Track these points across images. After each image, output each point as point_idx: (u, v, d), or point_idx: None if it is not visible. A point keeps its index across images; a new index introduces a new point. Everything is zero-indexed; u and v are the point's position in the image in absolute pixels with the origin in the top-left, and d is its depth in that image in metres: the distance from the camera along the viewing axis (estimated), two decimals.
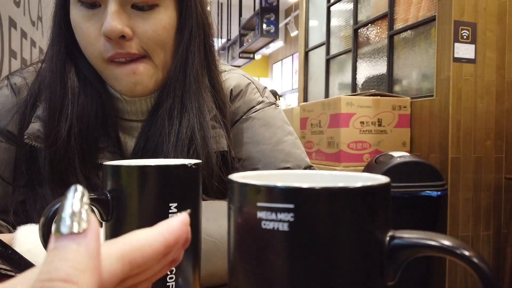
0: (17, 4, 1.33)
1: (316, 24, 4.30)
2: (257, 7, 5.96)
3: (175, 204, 0.33)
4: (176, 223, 0.22)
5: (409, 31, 2.79)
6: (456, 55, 2.27)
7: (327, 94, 3.96)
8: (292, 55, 8.03)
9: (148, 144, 0.58)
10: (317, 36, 4.27)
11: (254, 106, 0.67)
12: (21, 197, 0.58)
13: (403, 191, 2.10)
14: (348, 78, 3.59)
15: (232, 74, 0.69)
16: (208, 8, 0.64)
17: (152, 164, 0.33)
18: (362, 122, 2.46)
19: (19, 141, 0.58)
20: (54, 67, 0.56)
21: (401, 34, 2.88)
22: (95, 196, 0.33)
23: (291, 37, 7.46)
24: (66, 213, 0.18)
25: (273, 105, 0.69)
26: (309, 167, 0.65)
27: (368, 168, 2.34)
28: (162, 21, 0.55)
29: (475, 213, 2.29)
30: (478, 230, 2.30)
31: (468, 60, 2.29)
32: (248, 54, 6.83)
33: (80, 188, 0.19)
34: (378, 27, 3.19)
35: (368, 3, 3.35)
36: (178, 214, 0.23)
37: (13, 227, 0.55)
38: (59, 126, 0.54)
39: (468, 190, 2.28)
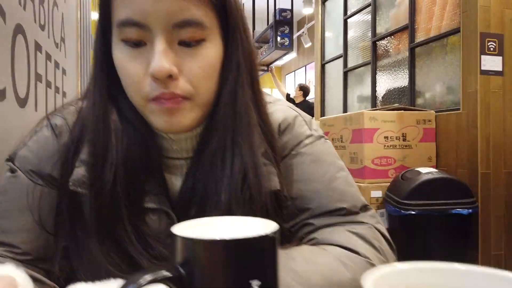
0: (42, 27, 1.33)
1: (332, 36, 4.27)
2: (271, 20, 5.97)
3: (256, 281, 0.29)
4: None
5: (431, 43, 2.74)
6: (483, 68, 2.21)
7: (345, 107, 3.91)
8: (305, 66, 8.01)
9: (196, 184, 0.54)
10: (333, 48, 4.23)
11: (303, 141, 0.62)
12: (63, 243, 0.55)
13: (433, 209, 2.03)
14: (367, 91, 3.54)
15: (278, 107, 0.65)
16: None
17: (232, 238, 0.29)
18: (386, 137, 2.40)
19: (61, 186, 0.55)
20: (96, 110, 0.53)
21: (423, 46, 2.82)
22: (170, 275, 0.29)
23: (304, 48, 7.45)
24: None
25: (323, 139, 0.65)
26: (364, 207, 0.61)
27: (394, 185, 2.28)
28: (209, 57, 0.52)
29: (507, 230, 2.20)
30: (511, 248, 2.20)
31: (496, 73, 2.22)
32: (263, 66, 6.84)
33: None
34: (398, 39, 3.14)
35: (387, 15, 3.31)
36: None
37: (56, 278, 0.52)
38: (104, 171, 0.51)
39: (500, 207, 2.19)
